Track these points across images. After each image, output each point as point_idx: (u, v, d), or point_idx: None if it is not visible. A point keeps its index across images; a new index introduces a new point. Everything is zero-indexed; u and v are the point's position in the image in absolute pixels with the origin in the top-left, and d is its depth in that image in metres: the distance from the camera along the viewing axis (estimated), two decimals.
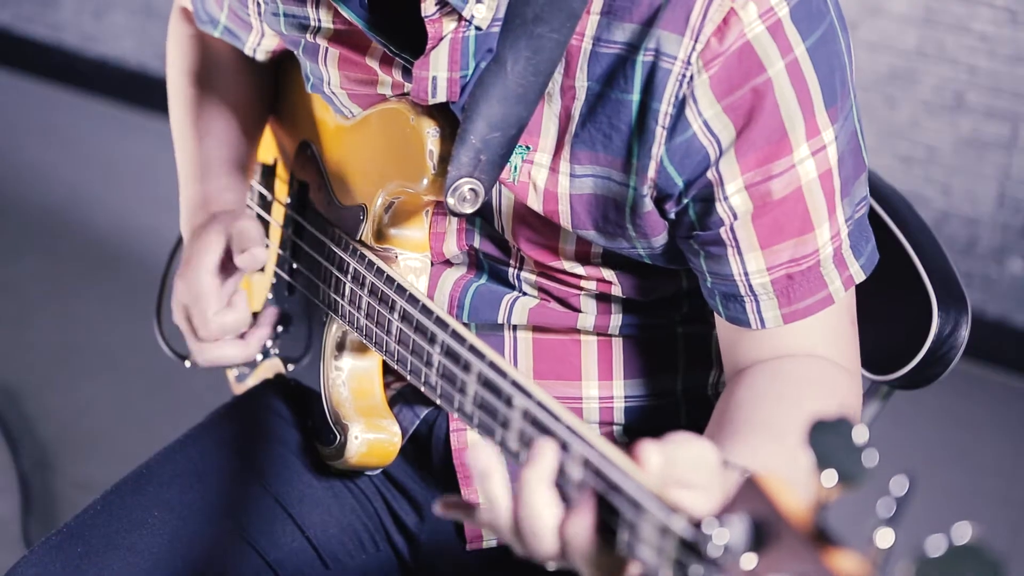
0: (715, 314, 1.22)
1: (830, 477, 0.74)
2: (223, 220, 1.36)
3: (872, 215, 1.43)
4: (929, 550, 0.69)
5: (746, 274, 1.16)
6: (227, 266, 1.34)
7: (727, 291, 1.18)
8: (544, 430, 0.94)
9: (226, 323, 1.34)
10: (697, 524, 0.81)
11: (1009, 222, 2.86)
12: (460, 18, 1.13)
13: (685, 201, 1.14)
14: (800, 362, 1.18)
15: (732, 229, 1.14)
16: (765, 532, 0.76)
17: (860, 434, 0.75)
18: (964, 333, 1.38)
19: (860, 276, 1.19)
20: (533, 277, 1.28)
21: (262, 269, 1.49)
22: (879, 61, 2.84)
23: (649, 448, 0.88)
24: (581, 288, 1.27)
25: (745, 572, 0.77)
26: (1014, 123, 2.78)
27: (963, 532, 0.69)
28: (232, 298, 1.36)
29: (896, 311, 1.42)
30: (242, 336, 1.39)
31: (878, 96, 2.87)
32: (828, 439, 0.75)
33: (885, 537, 0.72)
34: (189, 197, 1.45)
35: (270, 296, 1.46)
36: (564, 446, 0.92)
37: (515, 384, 0.99)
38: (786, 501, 0.76)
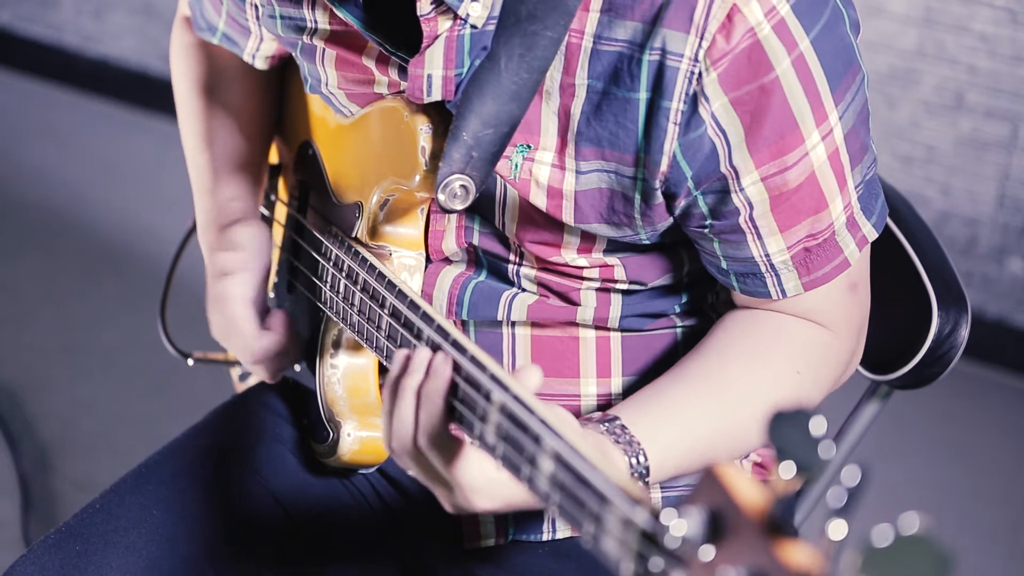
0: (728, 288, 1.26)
1: (788, 469, 0.75)
2: (227, 236, 1.40)
3: None
4: (876, 540, 0.69)
5: (767, 255, 1.19)
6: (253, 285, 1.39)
7: (745, 271, 1.21)
8: (519, 425, 0.96)
9: (270, 346, 1.37)
10: (657, 515, 0.82)
11: (1009, 222, 2.87)
12: (455, 17, 1.13)
13: (694, 195, 1.16)
14: (779, 322, 1.23)
15: (751, 219, 1.16)
16: (723, 524, 0.77)
17: (818, 426, 0.75)
18: (964, 333, 1.38)
19: (873, 234, 1.22)
20: (533, 273, 1.28)
21: None
22: (879, 61, 2.84)
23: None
24: (583, 279, 1.27)
25: (703, 564, 0.77)
26: (1014, 123, 2.78)
27: (910, 523, 0.69)
28: (268, 320, 1.39)
29: (896, 311, 1.42)
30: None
31: (878, 96, 2.87)
32: (786, 431, 0.75)
33: (837, 529, 0.72)
34: (202, 211, 1.46)
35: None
36: (536, 440, 0.94)
37: (493, 378, 1.01)
38: (743, 493, 0.77)
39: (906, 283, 1.40)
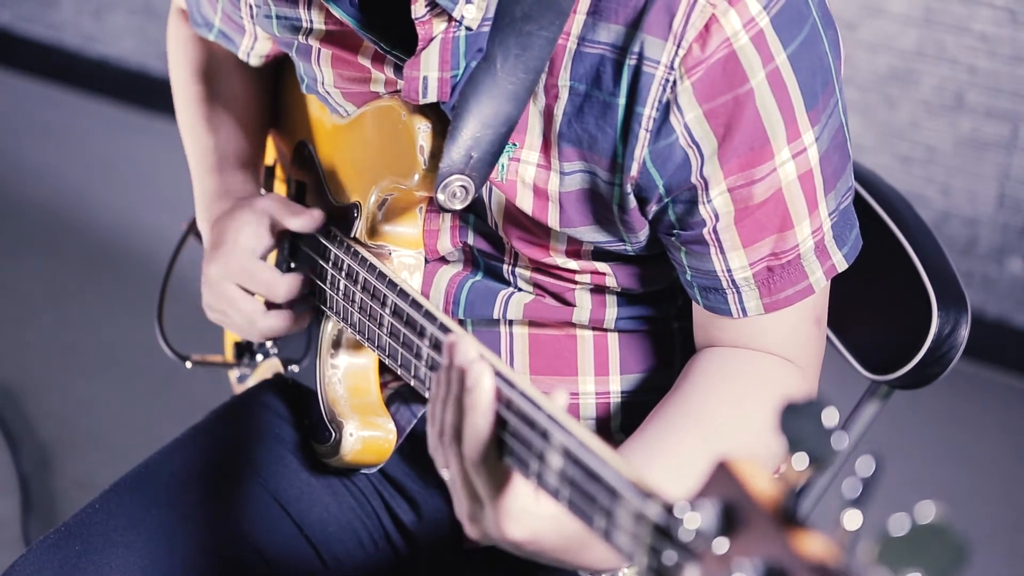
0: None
1: (801, 460, 0.75)
2: (249, 201, 1.37)
3: (872, 215, 1.44)
4: (892, 529, 0.69)
5: (729, 271, 1.18)
6: (264, 240, 1.35)
7: (708, 284, 1.21)
8: (526, 420, 0.95)
9: (292, 284, 1.33)
10: (670, 509, 0.82)
11: (1009, 222, 2.87)
12: (450, 19, 1.13)
13: (665, 201, 1.16)
14: (755, 361, 1.21)
15: (715, 231, 1.16)
16: (736, 516, 0.77)
17: (830, 417, 0.75)
18: (964, 333, 1.38)
19: (842, 265, 1.21)
20: (528, 273, 1.28)
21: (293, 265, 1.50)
22: (879, 61, 2.84)
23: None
24: (576, 282, 1.27)
25: (717, 556, 0.77)
26: (1014, 123, 2.78)
27: (926, 511, 0.69)
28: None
29: (896, 311, 1.42)
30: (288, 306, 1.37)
31: (878, 96, 2.87)
32: (798, 422, 0.75)
33: (852, 519, 0.72)
34: (206, 189, 1.45)
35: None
36: (545, 435, 0.93)
37: (498, 375, 1.00)
38: (757, 485, 0.77)
39: (906, 283, 1.40)
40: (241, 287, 1.34)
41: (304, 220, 1.32)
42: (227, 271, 1.34)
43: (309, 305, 1.37)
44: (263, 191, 1.53)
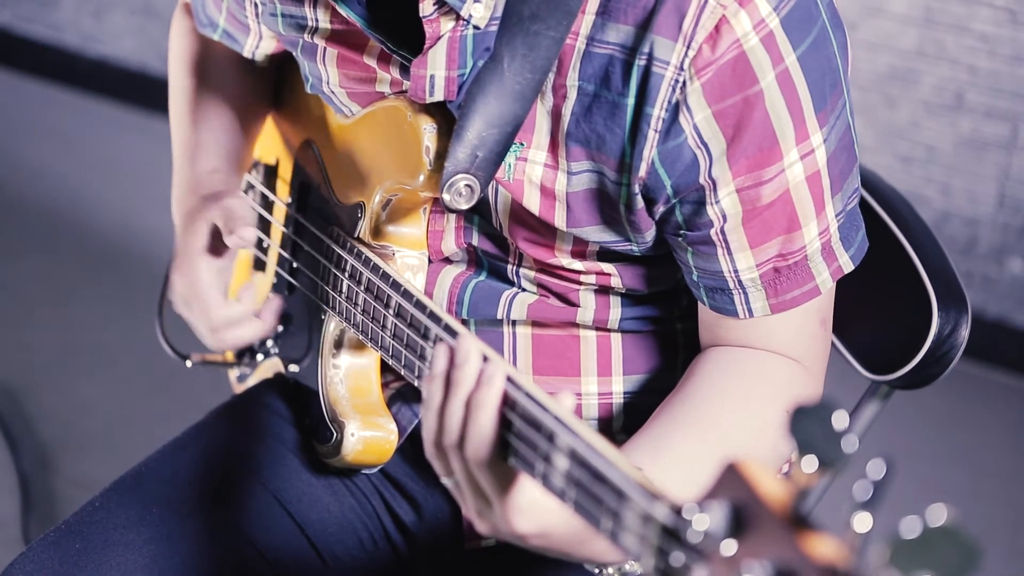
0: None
1: (810, 463, 0.75)
2: (208, 205, 1.38)
3: (872, 215, 1.44)
4: (904, 532, 0.69)
5: (736, 271, 1.18)
6: (219, 249, 1.37)
7: (714, 285, 1.21)
8: (532, 422, 0.95)
9: (231, 316, 1.36)
10: (678, 511, 0.81)
11: (1009, 222, 2.87)
12: (458, 17, 1.13)
13: (672, 202, 1.16)
14: (761, 360, 1.21)
15: (723, 232, 1.16)
16: (745, 518, 0.77)
17: (840, 420, 0.75)
18: (964, 333, 1.38)
19: (849, 267, 1.21)
20: (532, 273, 1.28)
21: (262, 266, 1.50)
22: (879, 61, 2.84)
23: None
24: (581, 283, 1.27)
25: (725, 558, 0.77)
26: (1014, 123, 2.78)
27: (938, 514, 0.69)
28: (239, 293, 1.39)
29: (896, 311, 1.42)
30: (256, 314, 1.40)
31: (878, 96, 2.87)
32: (808, 425, 0.75)
33: (863, 521, 0.72)
34: (180, 181, 1.47)
35: (271, 296, 1.47)
36: (551, 437, 0.93)
37: (504, 376, 1.00)
38: (766, 487, 0.77)
39: (906, 283, 1.40)
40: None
41: (233, 240, 1.32)
42: (187, 292, 1.38)
43: (310, 306, 1.38)
44: (254, 183, 1.53)
